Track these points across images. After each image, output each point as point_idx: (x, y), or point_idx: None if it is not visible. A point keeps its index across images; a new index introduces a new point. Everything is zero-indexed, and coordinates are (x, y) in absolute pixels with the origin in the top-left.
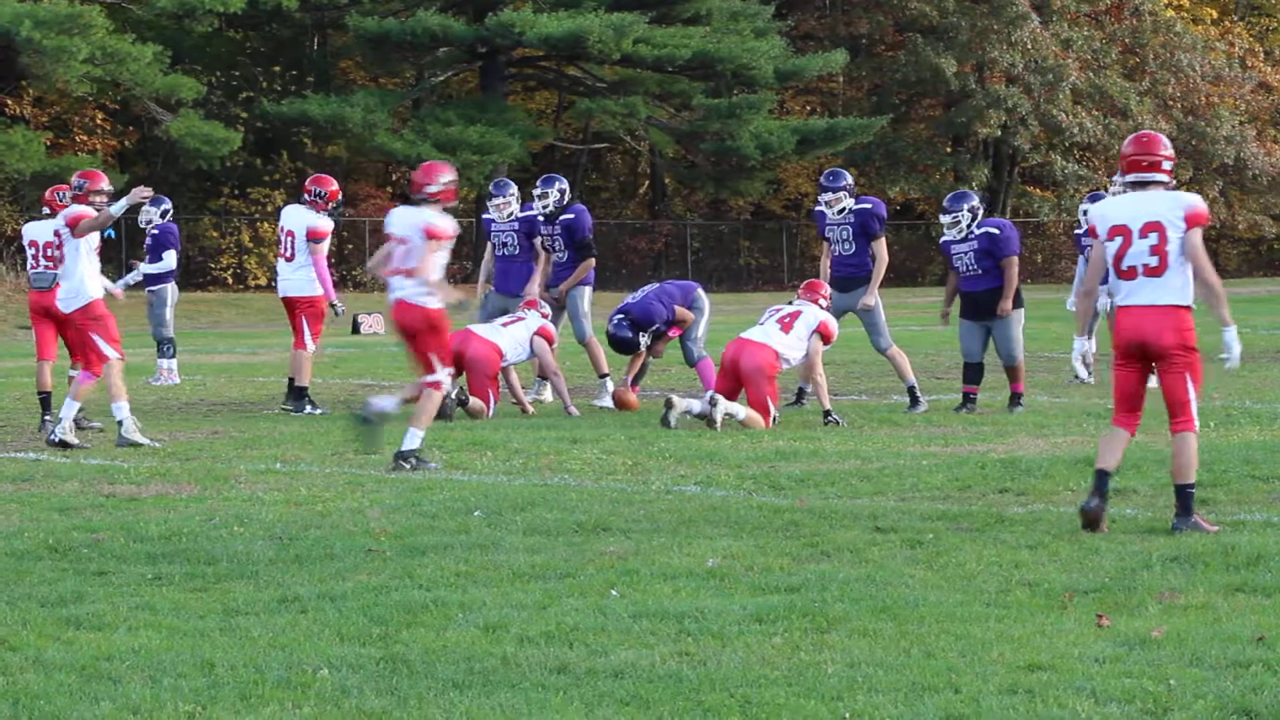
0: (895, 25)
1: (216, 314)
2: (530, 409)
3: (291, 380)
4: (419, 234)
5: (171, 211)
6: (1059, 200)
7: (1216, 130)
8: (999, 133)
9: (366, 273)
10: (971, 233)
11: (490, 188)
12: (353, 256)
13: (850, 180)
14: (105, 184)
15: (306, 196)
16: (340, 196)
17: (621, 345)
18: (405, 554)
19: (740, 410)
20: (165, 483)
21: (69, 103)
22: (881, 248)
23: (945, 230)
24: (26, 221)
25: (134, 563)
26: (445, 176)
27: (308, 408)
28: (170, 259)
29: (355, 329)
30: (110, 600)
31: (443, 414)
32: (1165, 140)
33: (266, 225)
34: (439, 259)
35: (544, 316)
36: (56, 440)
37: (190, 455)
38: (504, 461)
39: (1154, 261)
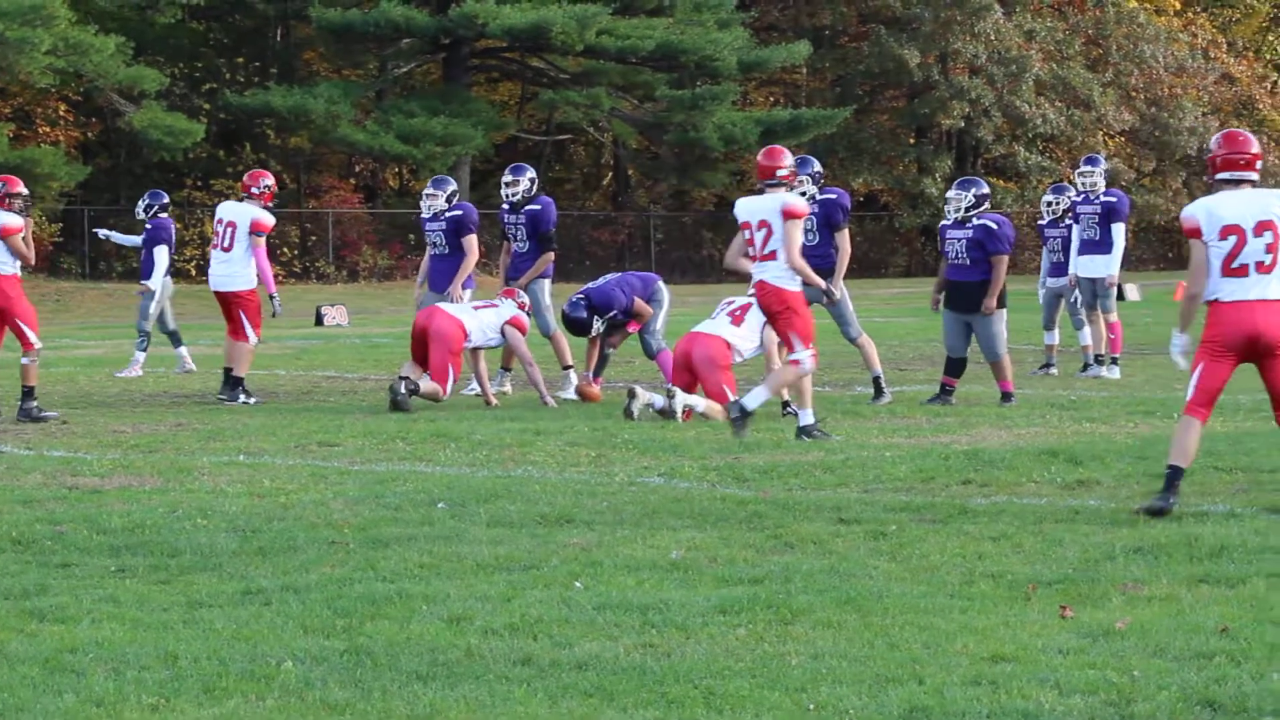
0: (859, 16)
1: (179, 306)
2: (494, 401)
3: (228, 370)
4: (778, 215)
5: (155, 208)
6: (1022, 192)
7: (1180, 121)
8: (962, 124)
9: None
10: (970, 220)
11: (429, 182)
12: (315, 249)
13: (816, 168)
14: None
15: (254, 190)
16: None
17: (574, 325)
18: (369, 546)
19: (700, 402)
20: (128, 475)
21: (31, 94)
22: (844, 239)
23: (947, 206)
24: None
25: (97, 555)
26: (789, 159)
27: (242, 397)
28: (160, 256)
29: (319, 321)
30: (73, 592)
31: (399, 407)
32: (1254, 138)
33: None
34: (800, 239)
35: (520, 307)
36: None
37: (153, 447)
38: (467, 453)
39: (1268, 259)
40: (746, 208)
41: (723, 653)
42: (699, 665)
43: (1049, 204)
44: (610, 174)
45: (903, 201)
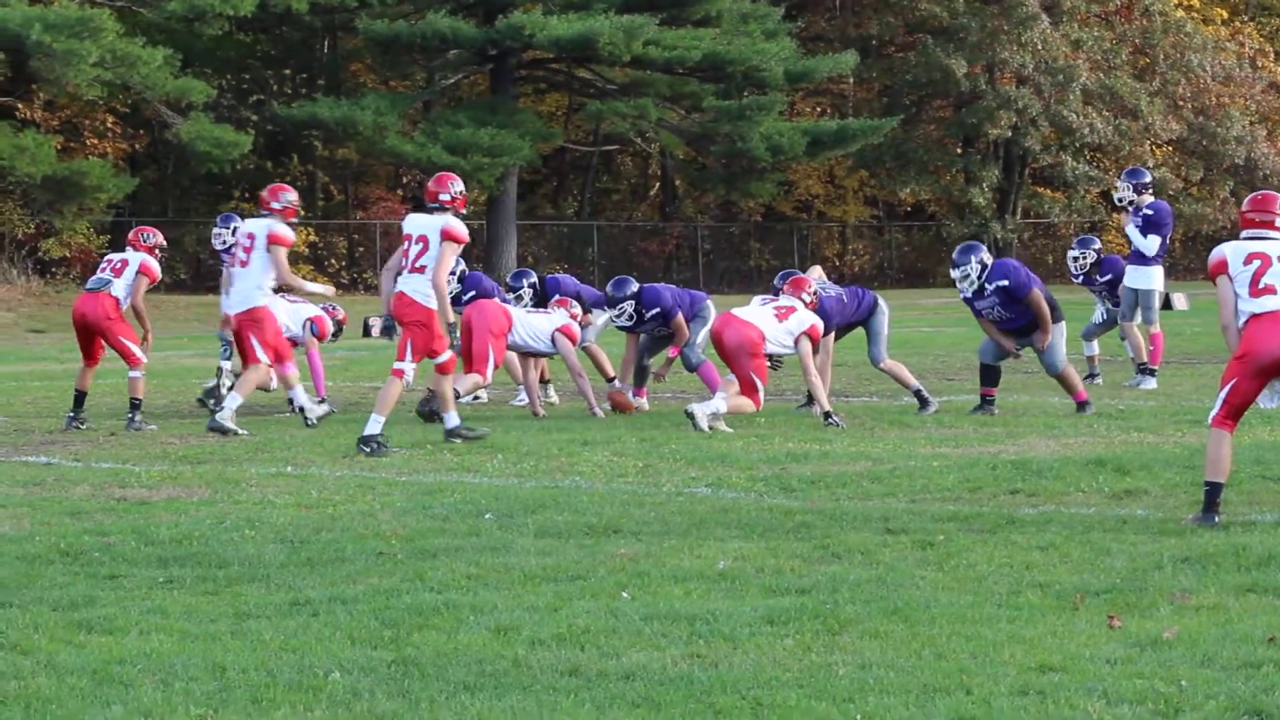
0: (905, 26)
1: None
2: (542, 412)
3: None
4: (438, 235)
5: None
6: (1069, 201)
7: (1227, 130)
8: (1009, 133)
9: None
10: (985, 288)
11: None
12: (363, 260)
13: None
14: None
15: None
16: None
17: (611, 300)
18: (416, 557)
19: (721, 404)
20: (176, 486)
21: (79, 106)
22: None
23: (958, 284)
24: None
25: (145, 566)
26: (457, 186)
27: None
28: None
29: (366, 332)
30: (121, 604)
31: (432, 419)
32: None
33: None
34: (450, 262)
35: (573, 317)
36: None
37: (201, 459)
38: (515, 464)
39: None
40: (414, 223)
41: (770, 663)
42: (746, 676)
43: (1075, 259)
44: (657, 184)
45: (950, 211)
